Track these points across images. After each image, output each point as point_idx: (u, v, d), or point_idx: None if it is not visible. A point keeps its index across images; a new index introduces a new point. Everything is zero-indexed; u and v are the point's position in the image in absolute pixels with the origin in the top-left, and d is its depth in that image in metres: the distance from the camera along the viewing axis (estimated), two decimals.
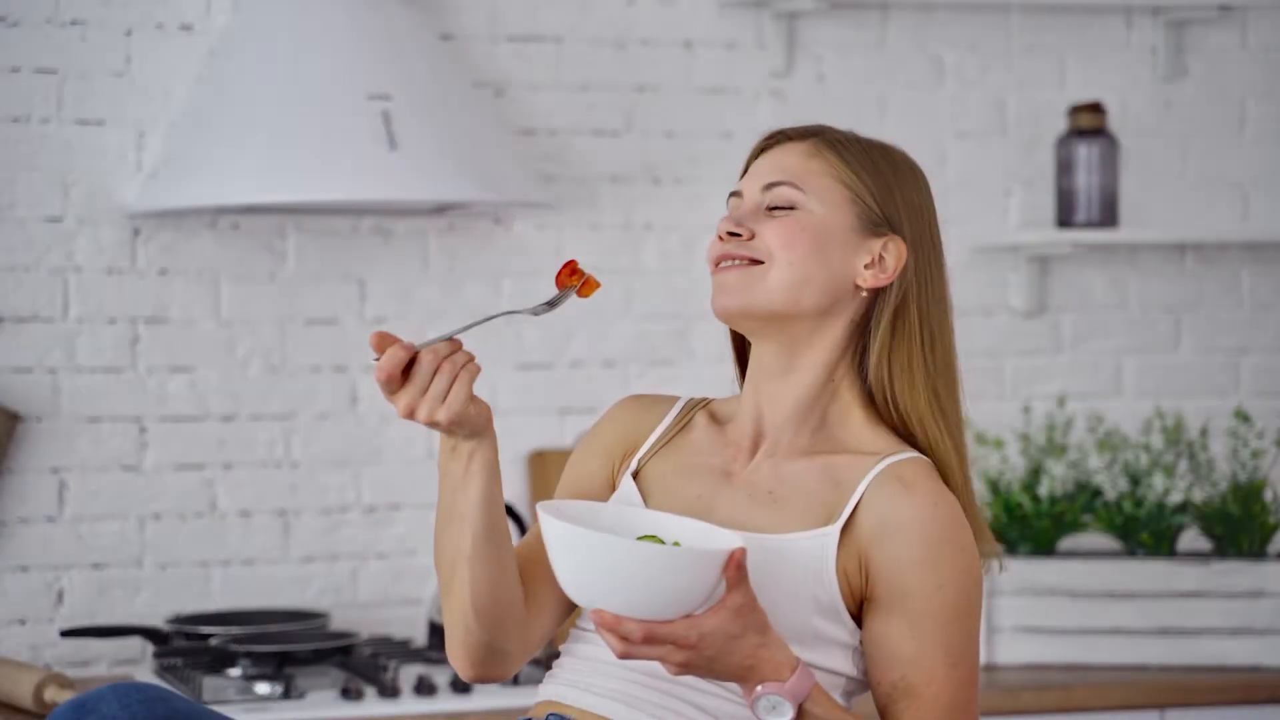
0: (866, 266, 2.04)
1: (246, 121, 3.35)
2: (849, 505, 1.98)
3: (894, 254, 2.04)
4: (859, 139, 2.10)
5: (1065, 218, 3.80)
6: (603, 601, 1.82)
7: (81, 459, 3.46)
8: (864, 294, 2.04)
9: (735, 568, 1.83)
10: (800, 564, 1.95)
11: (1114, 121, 3.92)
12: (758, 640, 1.86)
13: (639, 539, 1.90)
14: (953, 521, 1.98)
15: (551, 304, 2.05)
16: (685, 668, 1.85)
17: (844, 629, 1.98)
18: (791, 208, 2.04)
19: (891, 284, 2.04)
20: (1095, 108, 3.78)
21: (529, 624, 2.07)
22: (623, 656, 1.83)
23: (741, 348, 2.16)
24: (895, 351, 2.03)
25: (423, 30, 3.51)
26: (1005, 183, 3.94)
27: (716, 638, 1.83)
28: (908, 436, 2.05)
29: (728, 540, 1.89)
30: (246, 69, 3.41)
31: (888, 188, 2.06)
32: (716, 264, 2.05)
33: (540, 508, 1.88)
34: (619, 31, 3.74)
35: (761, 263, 2.02)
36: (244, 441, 3.55)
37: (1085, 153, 3.78)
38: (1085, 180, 3.78)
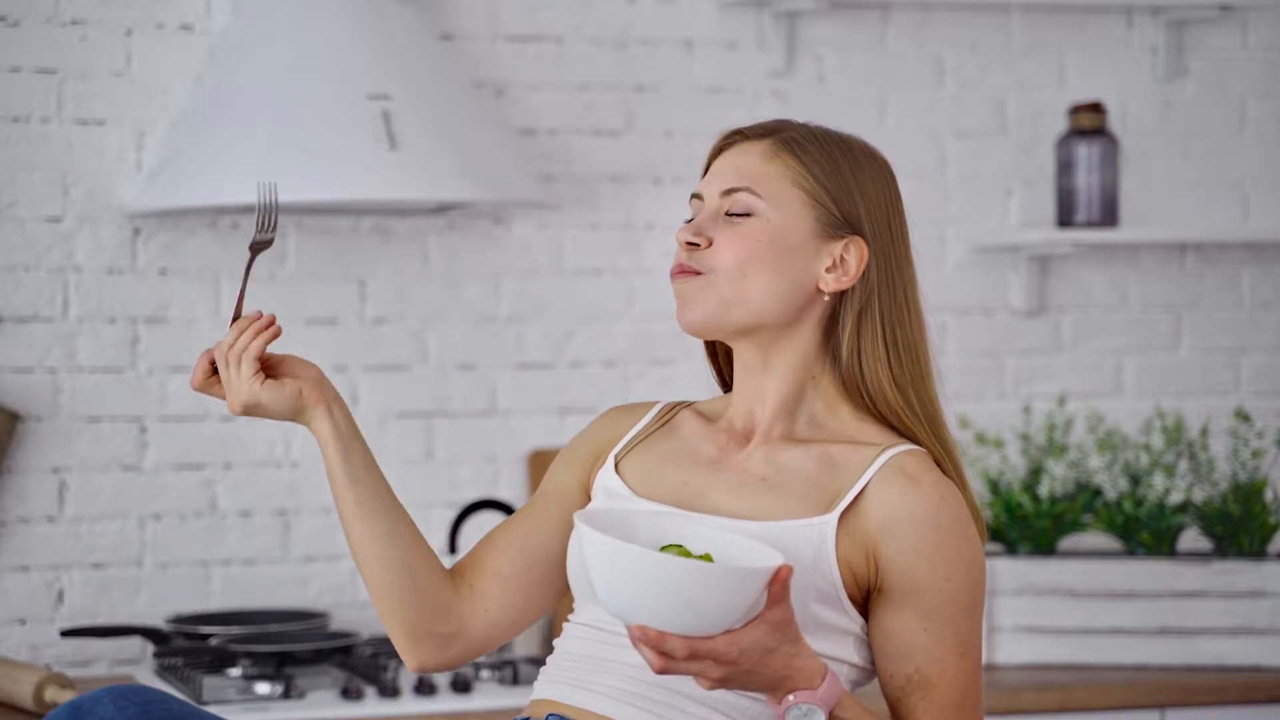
0: (828, 270, 2.04)
1: (246, 121, 3.35)
2: (850, 493, 1.99)
3: (855, 255, 2.04)
4: (817, 135, 2.08)
5: (1065, 217, 3.80)
6: (644, 617, 1.81)
7: (81, 459, 3.47)
8: (826, 297, 2.04)
9: (780, 584, 1.83)
10: (797, 551, 1.95)
11: (1114, 121, 3.92)
12: (791, 650, 1.86)
13: (665, 548, 1.89)
14: (958, 513, 1.99)
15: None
16: (722, 682, 1.85)
17: (846, 616, 1.98)
18: (749, 214, 2.04)
19: (855, 285, 2.04)
20: (1095, 108, 3.78)
21: (471, 611, 2.09)
22: (661, 672, 1.83)
23: (714, 346, 2.17)
24: (863, 353, 2.04)
25: (423, 30, 3.51)
26: (1005, 183, 3.94)
27: (755, 652, 1.84)
28: (895, 428, 2.06)
29: (766, 553, 1.89)
30: (246, 69, 3.41)
31: (846, 187, 2.05)
32: (674, 275, 2.07)
33: (577, 518, 1.87)
34: (619, 31, 3.74)
35: (718, 275, 2.03)
36: (244, 441, 3.55)
37: (1085, 153, 3.78)
38: (1085, 180, 3.78)
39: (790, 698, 1.87)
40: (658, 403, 2.19)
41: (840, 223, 2.04)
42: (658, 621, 1.80)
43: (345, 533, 2.10)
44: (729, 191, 2.05)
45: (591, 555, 1.84)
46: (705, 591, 1.79)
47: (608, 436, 2.16)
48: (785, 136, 2.07)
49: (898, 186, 2.10)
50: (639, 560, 1.80)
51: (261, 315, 2.04)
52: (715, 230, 2.05)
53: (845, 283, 2.03)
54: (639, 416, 2.17)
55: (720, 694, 1.96)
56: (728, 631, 1.82)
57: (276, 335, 2.03)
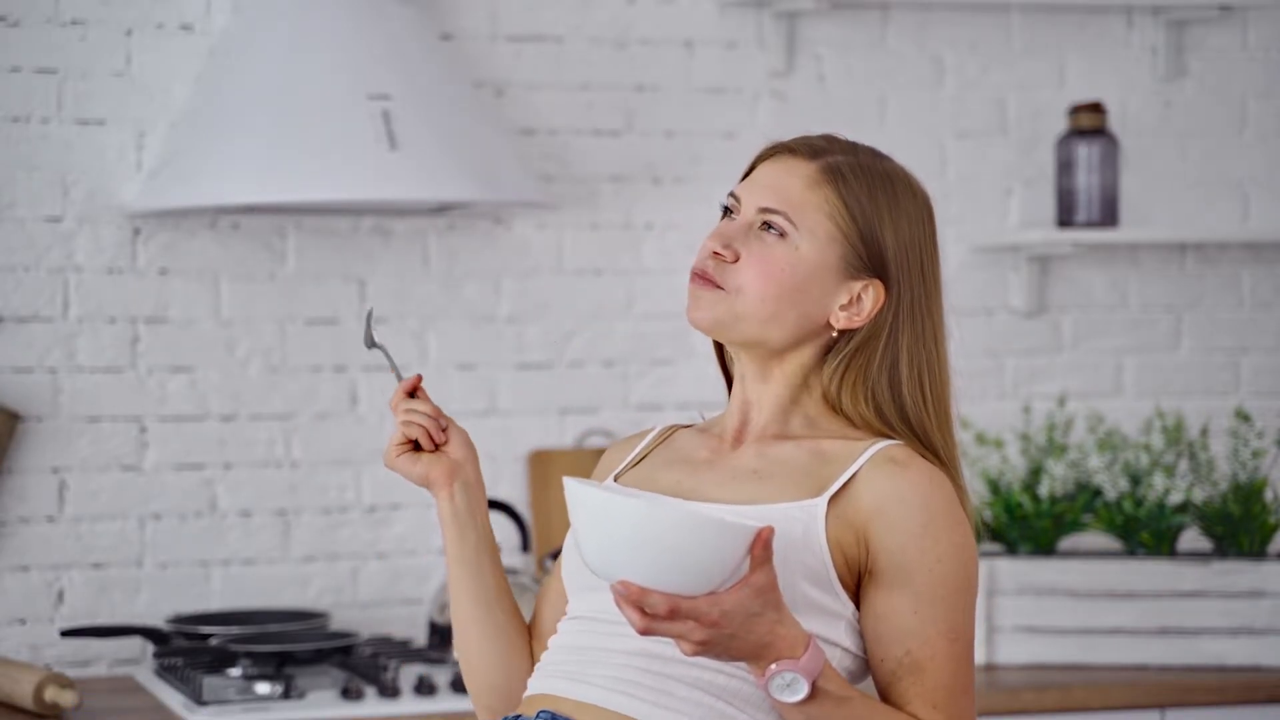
0: (842, 307, 2.05)
1: (246, 121, 3.35)
2: (841, 479, 2.00)
3: (871, 298, 2.05)
4: (862, 165, 2.07)
5: (1065, 217, 3.80)
6: (628, 572, 1.82)
7: (81, 459, 3.47)
8: (835, 332, 2.05)
9: (763, 546, 1.84)
10: (788, 531, 1.96)
11: (1114, 121, 3.92)
12: (774, 617, 1.87)
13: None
14: (948, 497, 2.00)
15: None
16: (704, 646, 1.85)
17: (837, 600, 1.99)
18: (780, 236, 2.04)
19: (864, 325, 2.05)
20: (1095, 108, 3.78)
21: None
22: (643, 632, 1.84)
23: (722, 349, 2.18)
24: (843, 389, 2.06)
25: (423, 30, 3.51)
26: (1005, 183, 3.94)
27: (737, 616, 1.84)
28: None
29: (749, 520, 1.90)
30: (246, 69, 3.41)
31: (880, 228, 2.05)
32: (694, 276, 2.07)
33: (568, 480, 1.89)
34: (619, 31, 3.74)
35: (734, 295, 2.04)
36: (244, 441, 3.55)
37: (1085, 153, 3.78)
38: (1085, 180, 3.78)
39: (773, 666, 1.87)
40: (654, 427, 2.22)
41: (864, 265, 2.05)
42: (639, 576, 1.81)
43: (450, 604, 2.19)
44: (766, 210, 2.05)
45: (577, 509, 1.86)
46: (684, 542, 1.81)
47: (608, 466, 2.20)
48: (832, 163, 2.06)
49: (934, 224, 2.10)
50: (621, 508, 1.82)
51: (413, 390, 2.16)
52: (744, 245, 2.05)
53: (856, 322, 2.05)
54: (637, 443, 2.20)
55: (712, 678, 1.97)
56: (710, 593, 1.83)
57: (434, 424, 2.16)
